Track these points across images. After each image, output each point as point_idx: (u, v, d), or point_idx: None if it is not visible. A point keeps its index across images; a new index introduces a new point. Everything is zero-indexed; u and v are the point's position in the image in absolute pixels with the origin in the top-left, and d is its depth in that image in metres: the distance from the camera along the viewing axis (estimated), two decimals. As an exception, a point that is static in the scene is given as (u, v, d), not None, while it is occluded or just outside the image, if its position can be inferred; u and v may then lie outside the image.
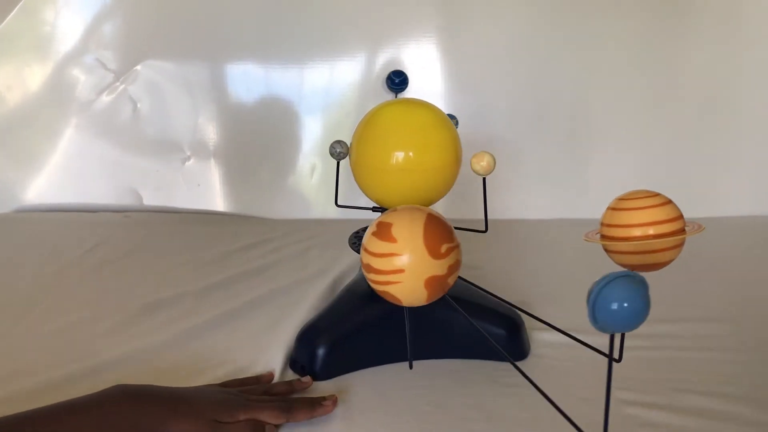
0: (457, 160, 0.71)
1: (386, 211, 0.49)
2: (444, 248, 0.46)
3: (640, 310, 0.36)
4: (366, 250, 0.46)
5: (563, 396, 0.69)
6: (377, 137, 0.69)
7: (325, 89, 1.16)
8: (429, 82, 1.14)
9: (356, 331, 0.72)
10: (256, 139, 1.19)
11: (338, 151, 0.71)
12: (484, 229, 0.69)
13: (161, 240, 1.09)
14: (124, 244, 1.07)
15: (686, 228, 0.42)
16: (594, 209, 1.14)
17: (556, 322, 0.81)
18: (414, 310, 0.72)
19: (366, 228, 0.78)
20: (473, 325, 0.63)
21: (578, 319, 0.82)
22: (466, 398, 0.67)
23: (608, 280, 0.36)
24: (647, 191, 0.43)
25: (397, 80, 0.93)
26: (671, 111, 1.16)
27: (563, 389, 0.69)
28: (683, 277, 0.95)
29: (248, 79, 1.17)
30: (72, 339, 0.78)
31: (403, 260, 0.45)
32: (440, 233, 0.46)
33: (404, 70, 0.92)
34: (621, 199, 0.44)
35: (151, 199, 1.22)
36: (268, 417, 0.60)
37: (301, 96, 1.17)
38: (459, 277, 0.78)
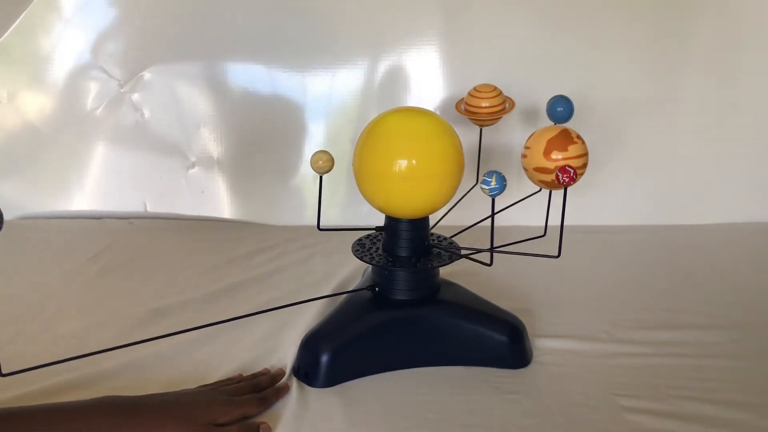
0: (460, 168, 0.71)
1: (540, 137, 0.69)
2: None
3: None
4: (577, 156, 0.66)
5: (565, 403, 0.69)
6: (380, 145, 0.69)
7: (327, 96, 1.17)
8: (431, 90, 1.14)
9: (360, 338, 0.72)
10: (260, 146, 1.19)
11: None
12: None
13: (165, 247, 1.09)
14: (128, 250, 1.07)
15: (506, 108, 0.82)
16: (596, 215, 1.15)
17: (558, 329, 0.82)
18: (417, 318, 0.73)
19: (368, 235, 0.79)
20: (473, 332, 0.63)
21: (582, 326, 0.82)
22: (468, 405, 0.67)
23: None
24: (489, 86, 0.82)
25: None
26: (673, 117, 1.16)
27: (566, 396, 0.69)
28: (685, 284, 0.95)
29: (251, 86, 1.17)
30: (76, 346, 0.78)
31: None
32: None
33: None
34: (476, 89, 0.82)
35: (155, 206, 1.22)
36: (250, 409, 0.64)
37: (304, 103, 1.17)
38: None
